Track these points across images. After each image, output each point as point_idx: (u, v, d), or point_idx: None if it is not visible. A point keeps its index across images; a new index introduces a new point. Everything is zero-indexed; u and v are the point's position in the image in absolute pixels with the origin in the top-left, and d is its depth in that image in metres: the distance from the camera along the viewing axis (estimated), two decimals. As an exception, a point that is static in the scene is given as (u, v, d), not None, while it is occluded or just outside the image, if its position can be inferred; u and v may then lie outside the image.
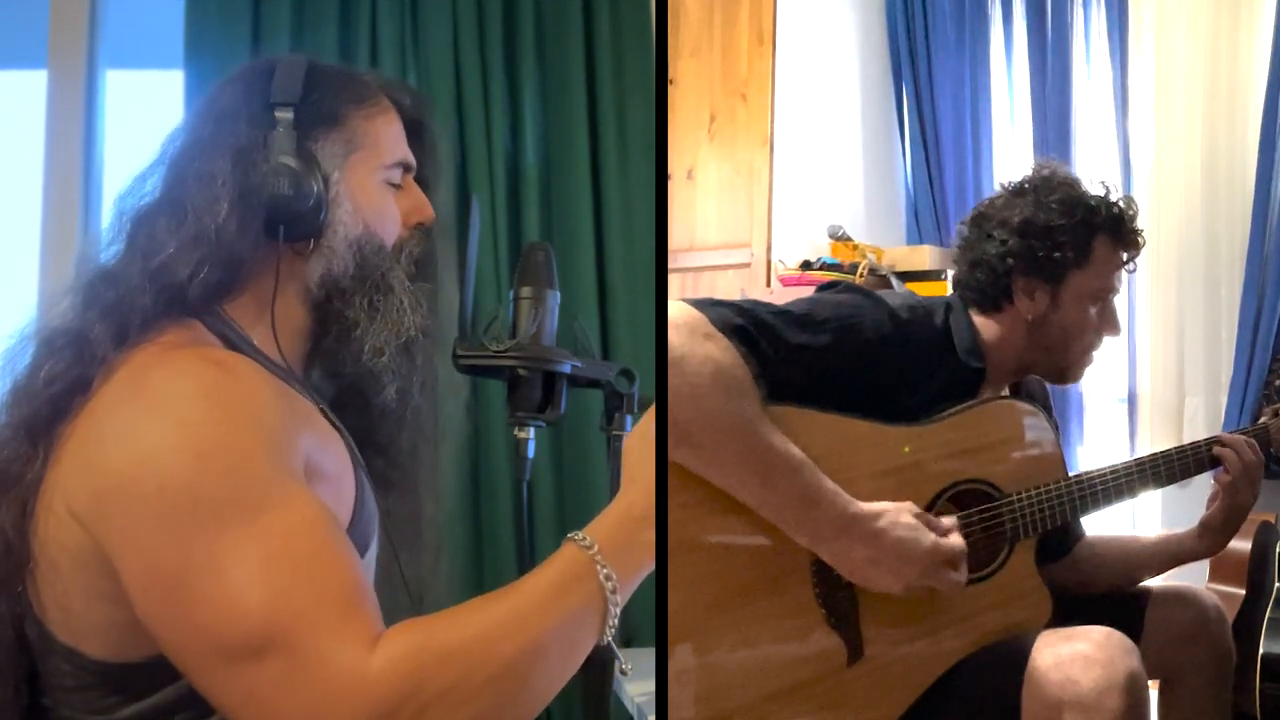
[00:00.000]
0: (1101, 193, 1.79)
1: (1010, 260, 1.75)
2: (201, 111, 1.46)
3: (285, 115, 1.40)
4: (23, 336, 1.37)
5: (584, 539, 1.23)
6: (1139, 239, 1.80)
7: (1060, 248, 1.74)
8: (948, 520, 1.55)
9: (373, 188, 1.46)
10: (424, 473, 1.57)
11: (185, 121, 1.46)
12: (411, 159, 1.51)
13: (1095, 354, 1.82)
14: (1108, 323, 1.79)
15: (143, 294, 1.33)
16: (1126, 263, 1.80)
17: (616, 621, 1.22)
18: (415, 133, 1.54)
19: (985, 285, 1.77)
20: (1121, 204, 1.79)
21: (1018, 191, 1.79)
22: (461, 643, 1.13)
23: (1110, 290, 1.78)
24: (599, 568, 1.21)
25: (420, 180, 1.54)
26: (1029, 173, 1.83)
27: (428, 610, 1.56)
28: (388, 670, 1.09)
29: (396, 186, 1.49)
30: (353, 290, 1.42)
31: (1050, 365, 1.80)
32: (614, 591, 1.21)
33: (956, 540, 1.53)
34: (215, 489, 1.15)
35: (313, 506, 1.19)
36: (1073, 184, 1.78)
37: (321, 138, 1.42)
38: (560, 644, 1.19)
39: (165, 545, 1.14)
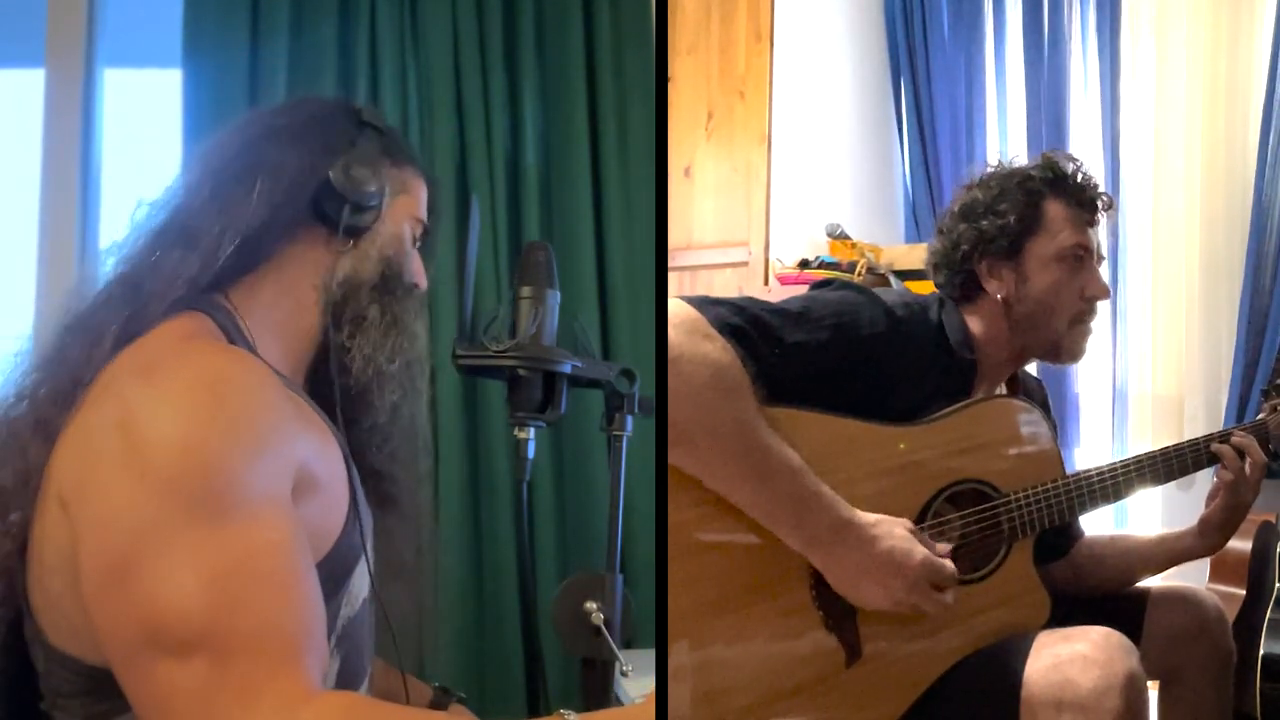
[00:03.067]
0: (1041, 162, 1.80)
1: (964, 246, 1.76)
2: (257, 120, 1.53)
3: (374, 132, 1.52)
4: (35, 334, 1.40)
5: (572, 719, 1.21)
6: (1093, 196, 1.78)
7: (1003, 216, 1.74)
8: (942, 546, 1.54)
9: (403, 230, 1.55)
10: (420, 500, 1.58)
11: (229, 135, 1.51)
12: (427, 224, 1.61)
13: (1090, 325, 1.79)
14: (1090, 284, 1.76)
15: (168, 282, 1.36)
16: (1091, 221, 1.78)
17: None
18: (431, 211, 1.64)
19: (951, 280, 1.78)
20: (1061, 163, 1.79)
21: (966, 188, 1.83)
22: None
23: (1078, 248, 1.75)
24: None
25: (422, 252, 1.62)
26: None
27: (427, 613, 1.58)
28: None
29: (415, 242, 1.58)
30: (371, 299, 1.47)
31: (1041, 343, 1.78)
32: None
33: (948, 563, 1.52)
34: (193, 485, 1.15)
35: (283, 530, 1.19)
36: (1013, 166, 1.81)
37: (385, 168, 1.51)
38: None
39: (128, 529, 1.15)
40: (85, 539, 1.17)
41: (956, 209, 1.80)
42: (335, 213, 1.44)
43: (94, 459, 1.20)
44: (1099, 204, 1.78)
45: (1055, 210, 1.76)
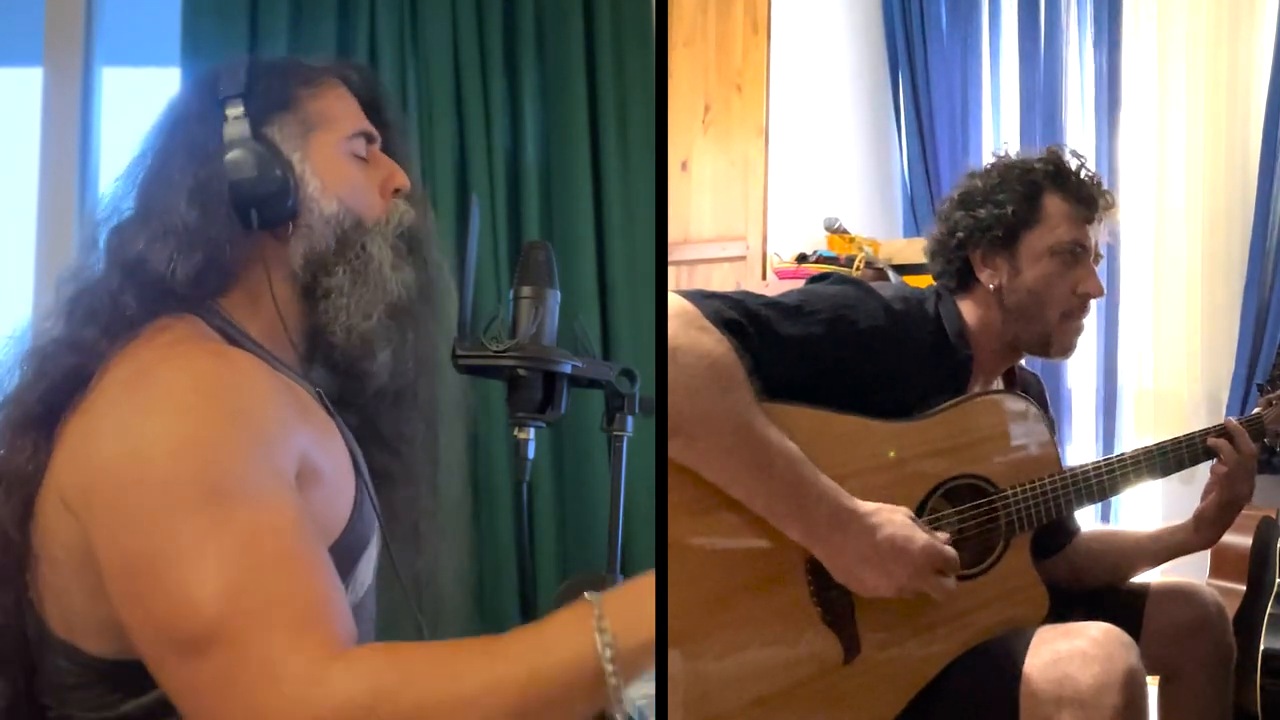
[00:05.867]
0: (1044, 156, 1.80)
1: (959, 234, 1.76)
2: (156, 126, 1.48)
3: (234, 107, 1.41)
4: (22, 338, 1.39)
5: (599, 613, 1.12)
6: (1093, 193, 1.78)
7: (1001, 206, 1.75)
8: (943, 535, 1.54)
9: (338, 162, 1.47)
10: (424, 465, 1.57)
11: (144, 140, 1.48)
12: (371, 128, 1.52)
13: (1081, 322, 1.78)
14: (1084, 281, 1.75)
15: (124, 294, 1.35)
16: (1090, 219, 1.77)
17: (621, 697, 1.10)
18: (373, 107, 1.56)
19: (946, 267, 1.79)
20: (1065, 158, 1.79)
21: (968, 177, 1.83)
22: (435, 692, 1.08)
23: (1074, 244, 1.75)
24: (609, 672, 1.10)
25: (388, 152, 1.55)
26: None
27: (427, 610, 1.58)
28: (346, 686, 1.07)
29: (363, 159, 1.50)
30: (334, 263, 1.43)
31: (1032, 335, 1.77)
32: (615, 674, 1.09)
33: (950, 548, 1.52)
34: (191, 480, 1.16)
35: (288, 510, 1.19)
36: (1015, 157, 1.82)
37: (276, 122, 1.44)
38: (543, 713, 1.11)
39: (136, 532, 1.15)
40: (100, 548, 1.18)
41: (956, 196, 1.81)
42: (244, 212, 1.38)
43: (94, 469, 1.20)
44: (1100, 202, 1.79)
45: (1054, 204, 1.76)
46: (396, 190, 1.51)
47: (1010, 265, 1.75)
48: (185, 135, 1.42)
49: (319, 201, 1.43)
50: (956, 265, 1.78)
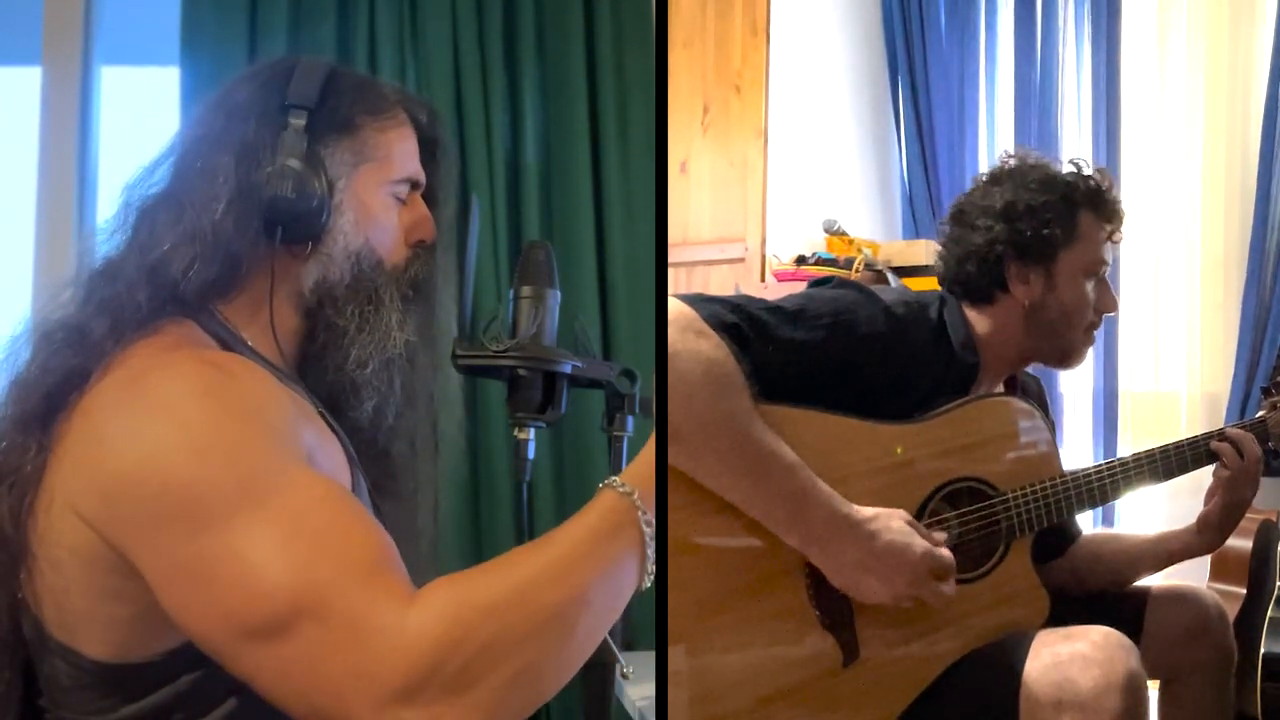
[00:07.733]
0: (1074, 170, 1.79)
1: (999, 247, 1.74)
2: (215, 105, 1.45)
3: (298, 118, 1.40)
4: (25, 330, 1.37)
5: (622, 485, 1.20)
6: (1119, 209, 1.79)
7: (1048, 225, 1.73)
8: (939, 535, 1.54)
9: (378, 200, 1.46)
10: (419, 487, 1.56)
11: (198, 114, 1.46)
12: (422, 176, 1.52)
13: (1094, 335, 1.80)
14: (1104, 298, 1.78)
15: (139, 290, 1.33)
16: (1111, 235, 1.79)
17: (653, 565, 1.20)
18: (429, 150, 1.55)
19: (976, 277, 1.76)
20: (1096, 177, 1.79)
21: (994, 180, 1.80)
22: (503, 595, 1.11)
23: (1101, 264, 1.77)
24: (640, 514, 1.18)
25: (429, 197, 1.54)
26: (1000, 163, 1.84)
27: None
28: (428, 625, 1.07)
29: (401, 201, 1.49)
30: (345, 299, 1.42)
31: (1052, 349, 1.78)
32: (653, 539, 1.19)
33: (947, 553, 1.52)
34: (219, 481, 1.15)
35: (320, 483, 1.19)
36: (1047, 165, 1.80)
37: (333, 144, 1.42)
38: (603, 593, 1.17)
39: (178, 541, 1.14)
40: (142, 560, 1.17)
41: (998, 207, 1.76)
42: (271, 227, 1.37)
43: (109, 480, 1.18)
44: (1120, 220, 1.79)
45: (1087, 223, 1.76)
46: (420, 241, 1.50)
47: (1047, 283, 1.74)
48: (242, 131, 1.40)
49: (347, 234, 1.42)
50: (985, 278, 1.76)
